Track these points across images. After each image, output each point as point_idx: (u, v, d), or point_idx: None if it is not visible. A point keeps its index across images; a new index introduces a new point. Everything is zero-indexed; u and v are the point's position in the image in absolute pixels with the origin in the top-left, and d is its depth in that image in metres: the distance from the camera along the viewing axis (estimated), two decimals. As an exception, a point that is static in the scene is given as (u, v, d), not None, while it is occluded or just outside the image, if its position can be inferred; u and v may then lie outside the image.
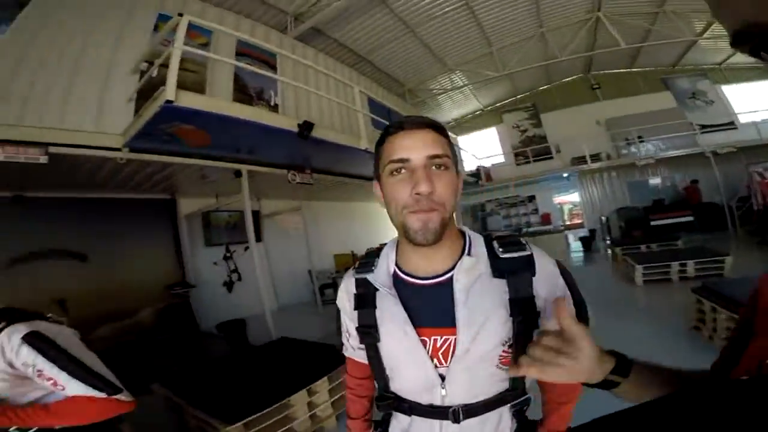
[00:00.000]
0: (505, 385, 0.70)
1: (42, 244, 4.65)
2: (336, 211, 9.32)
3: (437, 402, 0.70)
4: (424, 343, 0.69)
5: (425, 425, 0.72)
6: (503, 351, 0.68)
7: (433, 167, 0.66)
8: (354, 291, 0.79)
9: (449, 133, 0.74)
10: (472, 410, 0.69)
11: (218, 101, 3.66)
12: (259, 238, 7.02)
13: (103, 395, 1.03)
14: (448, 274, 0.70)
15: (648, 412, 0.29)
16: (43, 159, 3.07)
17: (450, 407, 0.69)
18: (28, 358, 0.98)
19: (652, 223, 9.54)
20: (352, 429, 0.91)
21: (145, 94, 3.47)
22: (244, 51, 5.47)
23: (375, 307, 0.74)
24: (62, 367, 0.99)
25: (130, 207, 5.57)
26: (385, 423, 0.80)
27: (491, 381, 0.70)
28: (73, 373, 1.00)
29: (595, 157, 10.88)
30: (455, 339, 0.67)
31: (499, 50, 9.59)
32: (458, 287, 0.69)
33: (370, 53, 8.53)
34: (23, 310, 1.11)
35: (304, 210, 7.21)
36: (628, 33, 8.78)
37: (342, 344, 0.90)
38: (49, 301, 4.57)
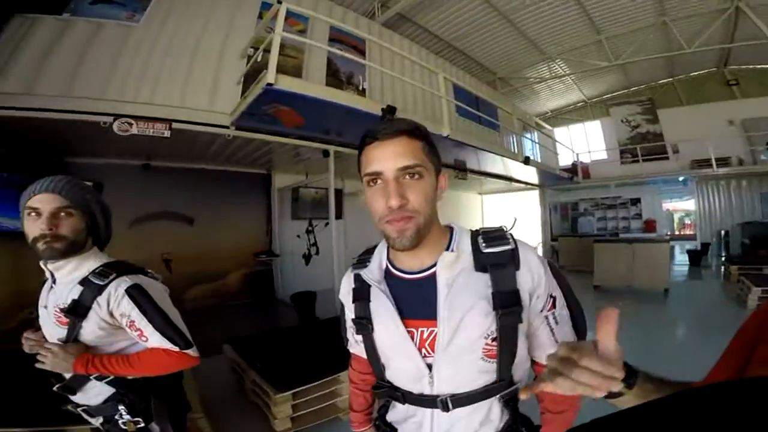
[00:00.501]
0: (492, 378, 0.72)
1: (160, 207, 5.46)
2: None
3: (426, 391, 0.73)
4: (411, 334, 0.73)
5: (419, 414, 0.76)
6: (486, 344, 0.70)
7: (407, 176, 0.68)
8: (352, 285, 0.84)
9: (428, 133, 0.74)
10: (460, 400, 0.72)
11: (312, 85, 3.89)
12: (339, 216, 7.41)
13: (176, 349, 1.09)
14: (432, 270, 0.74)
15: (648, 412, 0.29)
16: (167, 133, 3.62)
17: (438, 396, 0.72)
18: (126, 308, 1.05)
19: (786, 243, 7.86)
20: (354, 421, 0.96)
21: (251, 78, 3.82)
22: (336, 37, 5.69)
23: (369, 300, 0.79)
24: (150, 320, 1.06)
25: (232, 179, 6.25)
26: (383, 411, 0.85)
27: (476, 372, 0.71)
28: (157, 326, 1.07)
29: (723, 162, 9.20)
30: (437, 331, 0.71)
31: (609, 39, 8.54)
32: (441, 282, 0.72)
33: (458, 40, 8.23)
34: (129, 264, 1.19)
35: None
36: None
37: (347, 339, 0.96)
38: (158, 258, 5.35)
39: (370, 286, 0.79)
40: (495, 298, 0.69)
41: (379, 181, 0.70)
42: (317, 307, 4.90)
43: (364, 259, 0.85)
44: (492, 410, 0.74)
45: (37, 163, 4.48)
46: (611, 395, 0.53)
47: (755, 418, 0.24)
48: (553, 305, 0.76)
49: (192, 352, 1.13)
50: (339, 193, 7.57)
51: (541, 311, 0.75)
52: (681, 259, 9.72)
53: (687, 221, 13.51)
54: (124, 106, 3.54)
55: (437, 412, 0.73)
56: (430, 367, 0.72)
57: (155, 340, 1.07)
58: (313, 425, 2.46)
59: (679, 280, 7.64)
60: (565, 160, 11.17)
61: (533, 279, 0.72)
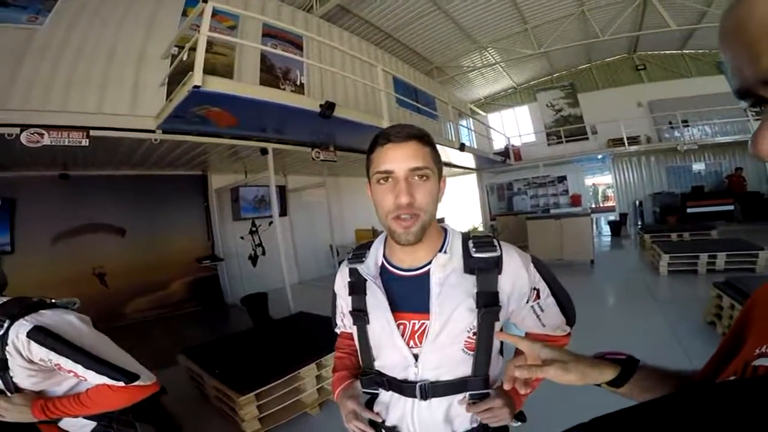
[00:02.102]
0: (469, 370, 0.80)
1: (85, 219, 5.05)
2: (358, 188, 9.37)
3: (411, 377, 0.81)
4: (403, 326, 0.81)
5: (401, 402, 0.83)
6: (468, 337, 0.78)
7: (415, 177, 0.75)
8: (348, 279, 0.91)
9: (434, 141, 0.81)
10: (437, 388, 0.79)
11: (244, 85, 3.77)
12: (284, 213, 7.32)
13: (120, 384, 1.01)
14: (426, 268, 0.81)
15: (648, 412, 0.29)
16: (85, 142, 3.34)
17: (419, 383, 0.79)
18: (41, 353, 0.95)
19: (689, 210, 9.10)
20: (337, 380, 0.99)
21: (177, 78, 3.63)
22: (270, 32, 5.50)
23: (365, 293, 0.86)
24: (75, 360, 0.96)
25: (164, 183, 5.92)
26: (370, 401, 0.91)
27: (456, 362, 0.79)
28: (86, 365, 0.97)
29: (634, 140, 10.35)
30: (428, 324, 0.78)
31: (534, 28, 9.16)
32: (434, 280, 0.79)
33: (396, 30, 8.35)
34: (27, 299, 1.06)
35: (327, 185, 7.38)
36: (680, 14, 8.09)
37: (336, 324, 1.05)
38: (89, 274, 4.98)
39: (365, 280, 0.85)
40: (479, 297, 0.77)
41: (389, 180, 0.76)
42: (270, 307, 4.87)
43: (359, 254, 0.91)
44: (454, 406, 0.81)
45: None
46: (613, 383, 0.61)
47: (756, 418, 0.24)
48: (537, 296, 0.84)
49: (142, 382, 1.05)
50: (282, 189, 7.45)
51: (527, 302, 0.83)
52: (607, 230, 10.73)
53: (609, 193, 14.94)
54: (30, 115, 3.21)
55: (416, 402, 0.81)
56: (416, 357, 0.79)
57: (92, 377, 0.99)
58: (283, 423, 2.51)
59: (604, 251, 8.46)
60: (498, 144, 11.85)
61: (514, 282, 0.81)
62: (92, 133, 3.40)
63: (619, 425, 0.30)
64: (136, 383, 1.04)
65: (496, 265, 0.80)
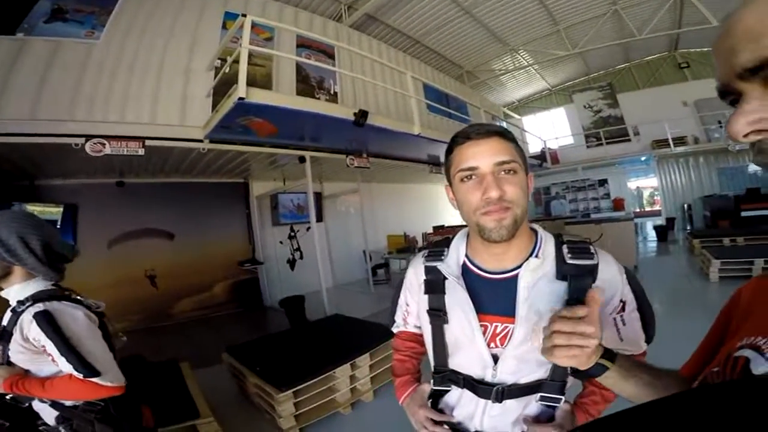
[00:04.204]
0: (546, 374, 0.77)
1: (138, 224, 5.42)
2: (391, 193, 9.45)
3: (488, 378, 0.79)
4: (485, 327, 0.78)
5: (473, 403, 0.81)
6: None
7: (502, 172, 0.72)
8: (424, 277, 0.87)
9: (516, 138, 0.79)
10: (514, 391, 0.77)
11: (283, 96, 3.95)
12: (320, 218, 7.49)
13: (80, 376, 1.08)
14: (515, 272, 0.77)
15: (648, 412, 0.29)
16: (141, 151, 3.62)
17: (496, 385, 0.78)
18: (35, 333, 1.07)
19: (743, 213, 8.46)
20: (400, 385, 0.98)
21: (221, 89, 3.84)
22: (304, 42, 5.72)
23: (444, 293, 0.83)
24: (56, 345, 1.07)
25: (209, 190, 6.23)
26: (438, 396, 0.89)
27: (537, 368, 0.77)
28: (61, 351, 1.07)
29: (680, 141, 9.78)
30: (513, 328, 0.76)
31: (566, 29, 8.92)
32: (522, 284, 0.76)
33: (424, 36, 8.37)
34: (59, 290, 1.20)
35: (361, 191, 7.47)
36: (722, 8, 7.59)
37: (393, 322, 1.03)
38: (142, 276, 5.32)
39: (444, 279, 0.82)
40: (569, 305, 0.70)
41: (474, 177, 0.73)
42: (306, 310, 4.98)
43: (437, 252, 0.88)
44: (530, 405, 0.80)
45: (5, 188, 4.37)
46: (597, 369, 0.61)
47: (756, 418, 0.25)
48: (622, 309, 0.79)
49: (100, 380, 1.11)
50: (318, 196, 7.64)
51: (611, 314, 0.78)
52: (653, 235, 10.14)
53: (656, 197, 14.16)
54: (94, 126, 3.52)
55: (490, 403, 0.78)
56: (495, 358, 0.77)
57: (62, 365, 1.08)
58: (316, 421, 2.57)
59: (649, 257, 8.00)
60: (534, 147, 11.54)
61: (607, 291, 0.75)
62: (147, 143, 3.67)
63: (619, 426, 0.30)
64: (93, 380, 1.10)
65: (591, 273, 0.75)
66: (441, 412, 0.87)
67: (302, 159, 4.98)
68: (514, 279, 0.76)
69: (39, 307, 1.09)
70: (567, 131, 12.62)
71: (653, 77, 11.50)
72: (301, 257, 6.79)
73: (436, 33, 8.38)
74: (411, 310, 0.95)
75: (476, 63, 10.21)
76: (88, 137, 3.40)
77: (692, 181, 10.61)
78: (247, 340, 3.60)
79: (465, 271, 0.83)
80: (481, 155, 0.72)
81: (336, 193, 7.94)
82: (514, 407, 0.79)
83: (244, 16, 3.38)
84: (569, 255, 0.77)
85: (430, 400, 0.89)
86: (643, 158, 10.53)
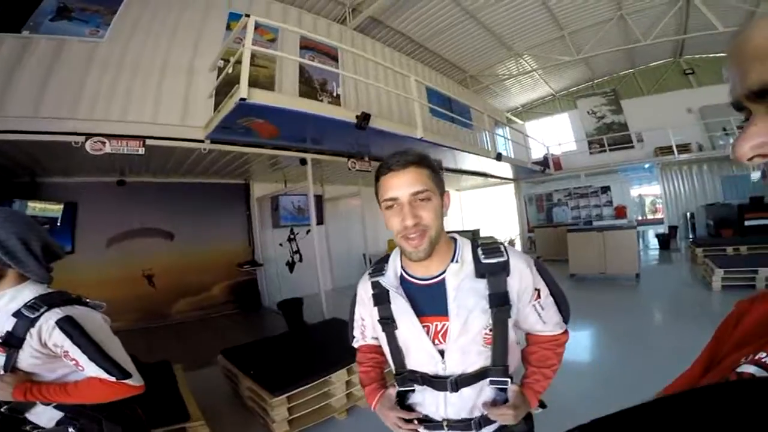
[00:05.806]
0: (488, 361, 0.90)
1: (138, 223, 5.42)
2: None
3: (440, 372, 0.91)
4: (427, 328, 0.90)
5: (433, 396, 0.94)
6: (485, 333, 0.88)
7: (418, 200, 0.84)
8: (371, 291, 0.99)
9: (433, 162, 0.90)
10: (465, 380, 0.90)
11: (285, 97, 3.94)
12: (320, 221, 7.46)
13: (112, 378, 1.10)
14: (441, 276, 0.91)
15: (649, 412, 0.30)
16: (141, 150, 3.61)
17: (449, 377, 0.90)
18: (58, 340, 1.06)
19: (747, 222, 8.37)
20: (369, 393, 1.08)
21: (223, 90, 3.84)
22: (308, 44, 5.72)
23: (390, 302, 0.95)
24: (84, 351, 1.07)
25: (210, 191, 6.23)
26: (404, 397, 1.01)
27: (478, 356, 0.90)
28: (91, 357, 1.07)
29: (684, 148, 9.70)
30: (449, 325, 0.88)
31: (571, 34, 8.90)
32: (449, 286, 0.89)
33: (428, 40, 8.37)
34: (65, 294, 1.18)
35: (362, 195, 7.47)
36: (728, 15, 7.58)
37: (353, 338, 1.13)
38: (140, 275, 5.30)
39: (388, 291, 0.94)
40: (491, 298, 0.87)
41: (395, 206, 0.86)
42: (304, 313, 4.95)
43: (379, 268, 1.01)
44: (484, 390, 0.92)
45: (5, 185, 4.37)
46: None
47: (756, 419, 0.25)
48: (538, 296, 0.94)
49: (131, 381, 1.14)
50: (319, 198, 7.62)
51: (530, 302, 0.93)
52: (654, 243, 10.07)
53: (658, 205, 14.09)
54: (95, 124, 3.51)
55: (449, 394, 0.90)
56: (442, 353, 0.89)
57: (91, 369, 1.08)
58: (311, 426, 2.54)
59: (651, 265, 7.94)
60: (537, 152, 11.51)
61: (520, 282, 0.90)
62: (148, 142, 3.66)
63: (619, 426, 0.30)
64: (125, 381, 1.12)
65: (504, 268, 0.89)
66: (410, 410, 0.98)
67: (303, 161, 4.96)
68: (443, 282, 0.90)
69: (58, 312, 1.09)
70: (570, 137, 12.59)
71: (658, 83, 11.50)
72: (301, 260, 6.78)
73: (441, 36, 8.38)
74: (366, 324, 1.07)
75: (480, 67, 10.19)
76: (89, 135, 3.40)
77: (695, 189, 10.58)
78: (244, 342, 3.57)
79: (403, 281, 0.95)
80: (399, 187, 0.84)
81: (337, 196, 7.92)
82: (469, 394, 0.91)
83: (248, 16, 3.36)
84: (483, 256, 0.91)
85: (398, 402, 1.00)
86: (646, 166, 10.47)
